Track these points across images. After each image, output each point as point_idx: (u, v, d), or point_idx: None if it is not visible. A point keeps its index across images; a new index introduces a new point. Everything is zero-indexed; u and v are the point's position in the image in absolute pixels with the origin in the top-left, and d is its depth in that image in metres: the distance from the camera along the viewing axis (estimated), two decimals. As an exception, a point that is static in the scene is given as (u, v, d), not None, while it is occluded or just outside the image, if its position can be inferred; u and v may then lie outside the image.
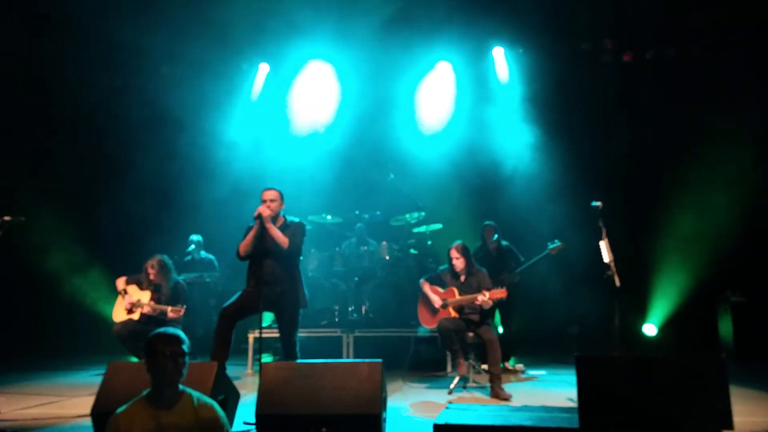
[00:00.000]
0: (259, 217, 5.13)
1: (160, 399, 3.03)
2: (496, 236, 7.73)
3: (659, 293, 9.09)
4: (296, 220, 5.51)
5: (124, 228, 9.20)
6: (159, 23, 8.51)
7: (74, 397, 5.82)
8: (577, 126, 9.19)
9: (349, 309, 8.02)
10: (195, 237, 8.65)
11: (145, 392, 3.09)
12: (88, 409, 4.30)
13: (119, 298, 6.70)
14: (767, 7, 8.12)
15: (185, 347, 3.09)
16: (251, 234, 5.22)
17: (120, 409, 3.05)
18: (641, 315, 9.13)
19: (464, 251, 6.31)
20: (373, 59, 9.60)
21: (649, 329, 9.11)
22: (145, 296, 6.59)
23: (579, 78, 9.27)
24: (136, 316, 6.49)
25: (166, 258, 6.79)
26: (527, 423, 3.32)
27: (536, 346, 8.76)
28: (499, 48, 9.70)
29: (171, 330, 3.12)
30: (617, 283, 5.23)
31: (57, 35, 8.87)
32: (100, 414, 4.22)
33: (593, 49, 9.39)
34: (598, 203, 5.55)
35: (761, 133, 8.47)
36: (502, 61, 9.73)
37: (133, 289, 6.68)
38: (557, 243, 7.18)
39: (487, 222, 7.82)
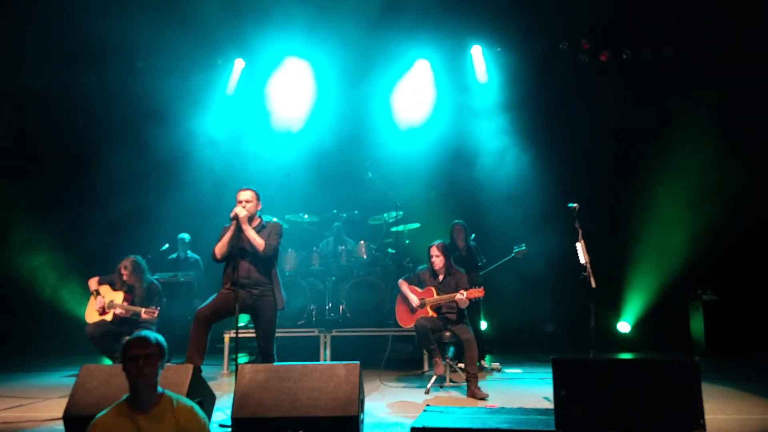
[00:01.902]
0: (235, 218, 5.07)
1: (138, 402, 3.02)
2: (474, 235, 7.75)
3: (633, 291, 9.23)
4: (273, 220, 5.45)
5: (97, 227, 9.04)
6: (133, 16, 8.35)
7: (46, 399, 5.70)
8: (554, 125, 9.27)
9: (327, 308, 7.99)
10: (183, 236, 8.54)
11: (124, 397, 3.08)
12: (60, 412, 4.25)
13: (92, 298, 6.58)
14: (742, 10, 8.28)
15: (158, 350, 3.07)
16: (227, 235, 5.14)
17: (99, 415, 3.04)
18: (615, 313, 9.27)
19: (444, 250, 6.34)
20: (351, 57, 9.54)
21: (623, 327, 9.24)
22: (118, 297, 6.48)
23: (556, 77, 9.34)
24: (109, 317, 6.38)
25: (139, 258, 6.67)
26: (504, 426, 3.34)
27: (512, 344, 8.84)
28: (477, 46, 9.71)
29: (144, 333, 3.11)
30: (593, 284, 5.28)
31: (27, 27, 8.66)
32: (73, 418, 4.16)
33: (570, 49, 9.46)
34: (575, 205, 5.59)
35: (737, 134, 8.62)
36: (480, 59, 9.75)
37: (105, 289, 6.56)
38: (523, 247, 7.26)
39: (456, 221, 7.82)
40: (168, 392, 3.13)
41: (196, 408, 3.10)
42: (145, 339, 3.06)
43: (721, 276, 8.57)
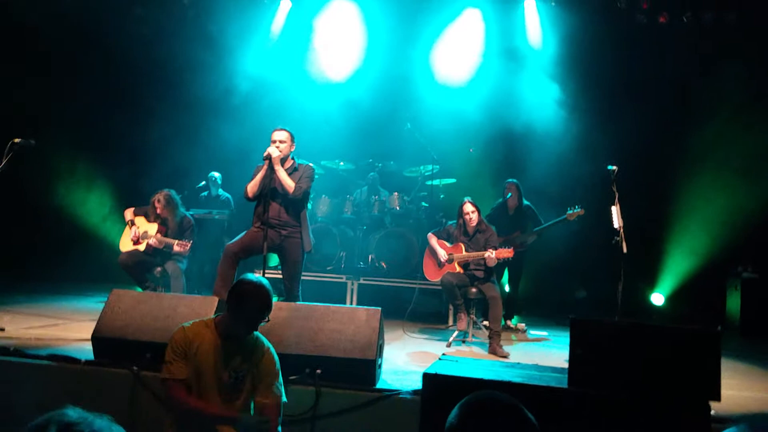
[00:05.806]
0: (269, 158, 5.08)
1: (228, 334, 3.21)
2: (513, 195, 7.53)
3: (670, 263, 8.98)
4: (306, 163, 5.46)
5: (136, 159, 9.20)
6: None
7: (77, 321, 5.94)
8: (605, 87, 8.91)
9: (356, 256, 8.03)
10: (213, 174, 8.60)
11: (214, 315, 3.33)
12: (89, 334, 4.40)
13: (127, 228, 6.75)
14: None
15: (269, 309, 3.25)
16: (260, 175, 5.19)
17: (186, 324, 3.24)
18: (650, 283, 9.06)
19: (476, 206, 6.27)
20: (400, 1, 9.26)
21: (657, 299, 9.05)
22: (152, 228, 6.62)
23: (611, 36, 8.92)
24: (142, 247, 6.54)
25: (173, 192, 6.77)
26: (516, 379, 3.32)
27: (542, 308, 8.75)
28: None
29: (266, 286, 3.22)
30: (624, 249, 5.18)
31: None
32: (100, 338, 4.34)
33: (629, 7, 8.98)
34: (614, 167, 5.44)
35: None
36: (533, 12, 9.33)
37: (140, 220, 6.72)
38: (577, 209, 6.78)
39: (510, 179, 7.60)
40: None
41: (273, 350, 3.30)
42: (271, 301, 3.24)
43: (763, 254, 8.24)
